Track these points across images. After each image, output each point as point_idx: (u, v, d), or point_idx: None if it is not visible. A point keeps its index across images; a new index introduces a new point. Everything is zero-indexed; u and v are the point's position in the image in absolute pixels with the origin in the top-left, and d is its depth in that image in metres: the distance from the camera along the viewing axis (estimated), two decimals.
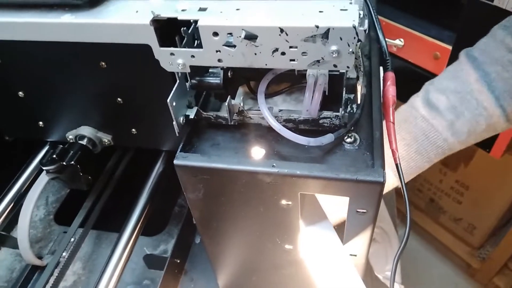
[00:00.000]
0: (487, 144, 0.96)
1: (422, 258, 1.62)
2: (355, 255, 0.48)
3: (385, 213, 0.82)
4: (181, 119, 0.43)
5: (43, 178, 0.61)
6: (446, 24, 0.91)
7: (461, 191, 1.47)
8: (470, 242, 1.55)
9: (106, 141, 0.59)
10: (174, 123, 0.41)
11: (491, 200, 1.40)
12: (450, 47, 0.86)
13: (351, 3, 0.35)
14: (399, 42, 0.95)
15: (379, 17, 0.55)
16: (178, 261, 0.65)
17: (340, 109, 0.42)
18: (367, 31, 0.35)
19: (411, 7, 0.96)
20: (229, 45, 0.35)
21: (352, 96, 0.46)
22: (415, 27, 0.92)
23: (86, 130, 0.58)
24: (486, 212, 1.45)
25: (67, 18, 0.40)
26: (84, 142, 0.58)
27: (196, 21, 0.36)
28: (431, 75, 0.92)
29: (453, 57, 0.85)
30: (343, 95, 0.44)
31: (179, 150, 0.42)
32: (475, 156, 1.36)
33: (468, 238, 1.55)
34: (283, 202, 0.42)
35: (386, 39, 0.46)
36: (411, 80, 0.96)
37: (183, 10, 0.38)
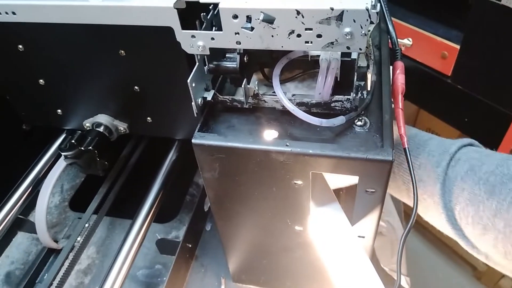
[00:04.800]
0: (494, 141, 0.96)
1: (427, 260, 1.62)
2: (363, 237, 0.50)
3: (392, 208, 0.83)
4: (199, 100, 0.45)
5: (61, 164, 0.63)
6: (454, 24, 0.92)
7: None
8: None
9: (122, 129, 0.60)
10: (192, 103, 0.43)
11: None
12: (457, 47, 0.87)
13: None
14: (407, 41, 0.96)
15: None
16: (190, 245, 0.67)
17: (352, 93, 0.43)
18: (378, 16, 0.37)
19: (419, 7, 0.98)
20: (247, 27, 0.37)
21: (362, 83, 0.47)
22: (423, 26, 0.94)
23: (103, 118, 0.59)
24: None
25: (96, 1, 0.42)
26: (101, 129, 0.59)
27: (216, 4, 0.38)
28: (438, 75, 0.93)
29: (461, 57, 0.87)
30: (354, 82, 0.46)
31: (196, 130, 0.44)
32: None
33: None
34: (295, 181, 0.44)
35: None
36: (419, 79, 0.98)
37: None
